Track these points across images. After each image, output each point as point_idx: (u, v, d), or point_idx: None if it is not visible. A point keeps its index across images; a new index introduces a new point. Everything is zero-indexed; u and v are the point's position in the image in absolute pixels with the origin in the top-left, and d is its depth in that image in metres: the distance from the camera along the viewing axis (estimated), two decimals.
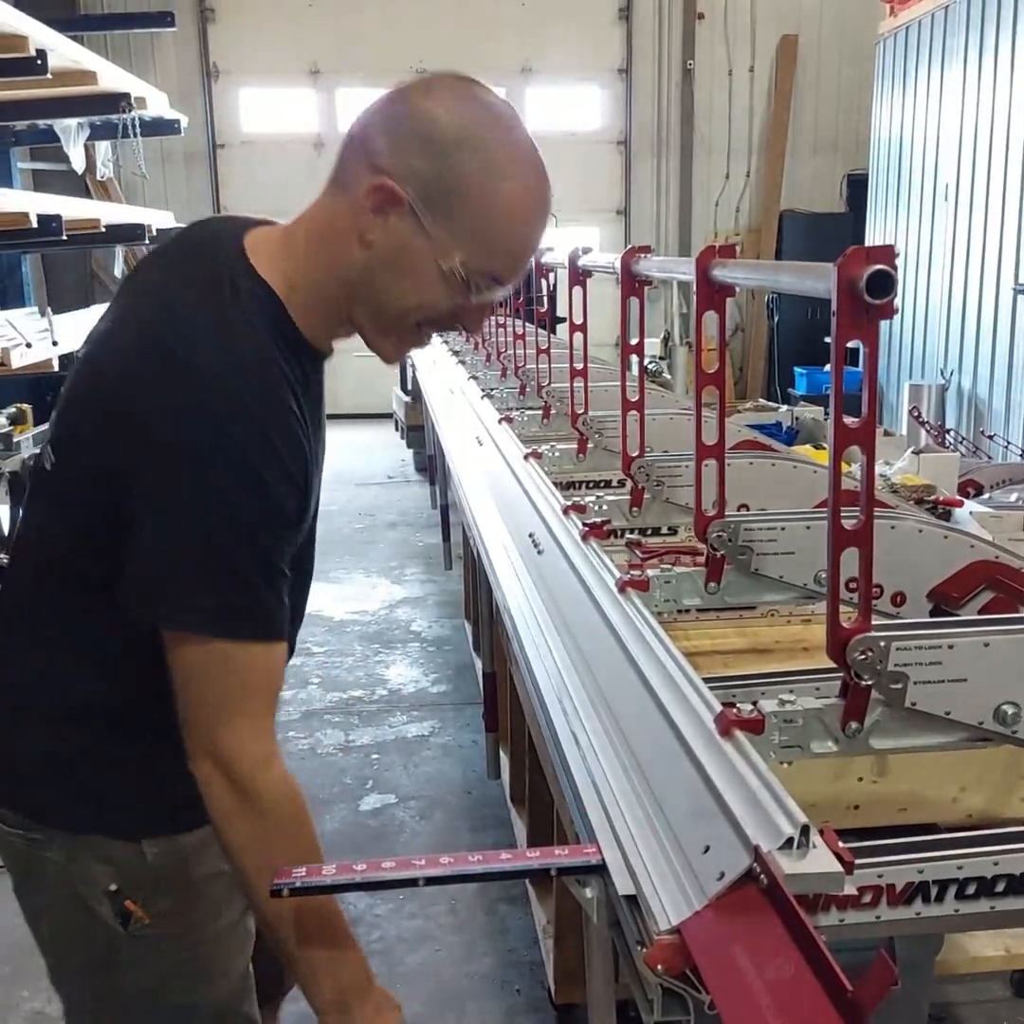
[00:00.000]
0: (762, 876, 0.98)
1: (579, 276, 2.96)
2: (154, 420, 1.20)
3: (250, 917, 1.48)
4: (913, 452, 4.75)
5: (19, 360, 5.76)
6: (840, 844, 1.04)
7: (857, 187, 11.27)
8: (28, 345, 5.88)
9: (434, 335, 1.40)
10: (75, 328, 6.89)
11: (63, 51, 5.95)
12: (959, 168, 8.28)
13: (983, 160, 7.89)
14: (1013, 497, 4.87)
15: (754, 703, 1.26)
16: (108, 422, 1.24)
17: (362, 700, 4.90)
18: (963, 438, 7.62)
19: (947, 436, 7.48)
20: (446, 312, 1.30)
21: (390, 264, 1.26)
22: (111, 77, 6.95)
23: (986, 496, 5.04)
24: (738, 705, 1.25)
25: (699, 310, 1.70)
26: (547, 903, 2.80)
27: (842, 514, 1.21)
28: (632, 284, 2.26)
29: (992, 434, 7.51)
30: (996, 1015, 2.60)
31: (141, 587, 1.24)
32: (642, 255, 2.22)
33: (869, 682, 1.24)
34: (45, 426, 6.14)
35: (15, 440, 5.28)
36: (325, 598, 6.10)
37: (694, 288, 1.71)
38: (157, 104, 7.83)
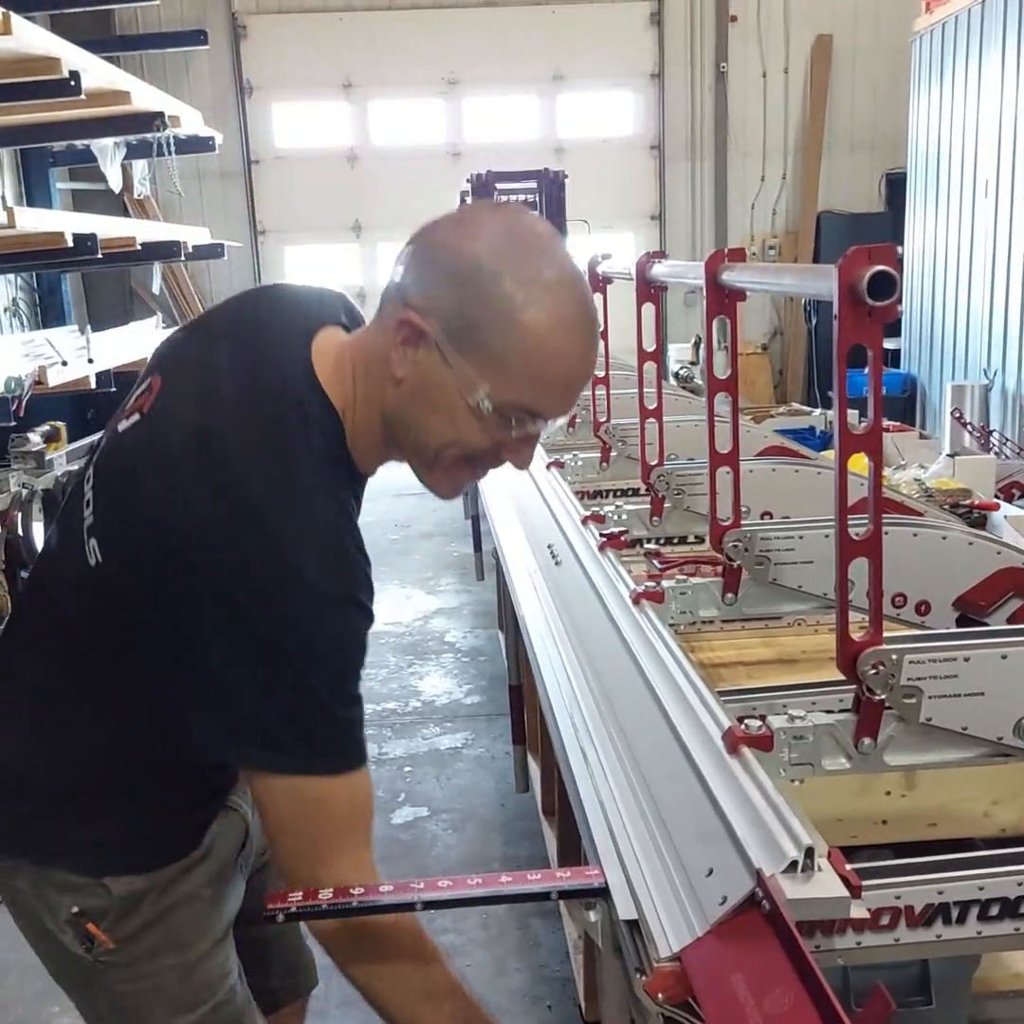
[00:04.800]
0: (764, 901, 0.94)
1: (599, 282, 2.94)
2: (238, 581, 1.18)
3: (227, 946, 1.47)
4: (948, 456, 4.66)
5: (56, 378, 5.84)
6: (848, 867, 1.01)
7: (896, 186, 11.12)
8: (64, 363, 5.95)
9: (490, 469, 1.34)
10: (113, 345, 6.99)
11: (96, 72, 6.03)
12: (999, 164, 8.14)
13: (1023, 156, 7.75)
14: None
15: (762, 718, 1.23)
16: (182, 567, 1.20)
17: (395, 712, 4.89)
18: (1007, 439, 7.48)
19: (991, 438, 7.34)
20: (486, 448, 1.25)
21: (421, 399, 1.23)
22: (145, 96, 7.04)
23: None
24: (746, 722, 1.21)
25: (709, 315, 1.66)
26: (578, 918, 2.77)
27: (850, 523, 1.17)
28: (648, 289, 2.24)
29: None
30: None
31: (229, 727, 1.24)
32: (656, 260, 2.19)
33: (882, 697, 1.20)
34: (79, 443, 6.23)
35: (48, 458, 5.34)
36: None
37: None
38: (191, 122, 7.92)
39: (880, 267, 1.08)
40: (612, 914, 1.09)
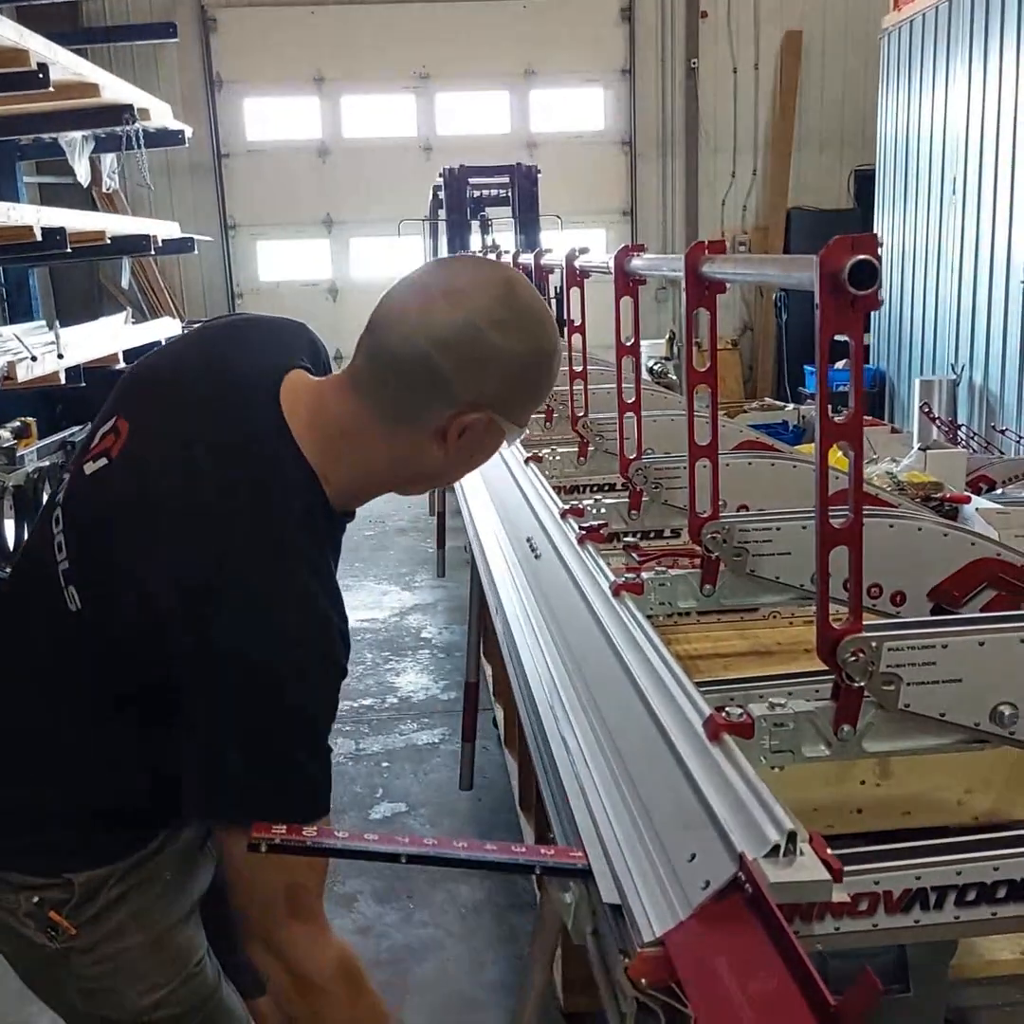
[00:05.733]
0: (747, 885, 0.95)
1: (576, 277, 2.95)
2: (218, 642, 1.21)
3: (194, 924, 1.49)
4: (920, 449, 4.71)
5: (25, 374, 5.77)
6: (829, 851, 1.02)
7: (865, 182, 11.21)
8: (33, 358, 5.89)
9: None
10: (82, 340, 6.92)
11: (65, 64, 5.96)
12: (966, 161, 8.22)
13: (991, 153, 7.83)
14: None
15: (743, 707, 1.23)
16: (164, 624, 1.24)
17: (373, 708, 4.88)
18: (974, 434, 7.56)
19: (959, 432, 7.41)
20: None
21: (466, 461, 1.37)
22: (114, 89, 6.98)
23: (999, 491, 4.99)
24: (727, 709, 1.22)
25: (689, 307, 1.67)
26: None
27: (830, 513, 1.19)
28: (626, 283, 2.24)
29: (1004, 429, 7.44)
30: (1014, 1020, 2.54)
31: (193, 778, 1.27)
32: (635, 254, 2.20)
33: (861, 684, 1.22)
34: (50, 439, 6.16)
35: (19, 454, 5.29)
36: None
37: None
38: (161, 115, 7.86)
39: (862, 256, 1.09)
40: (591, 898, 1.09)
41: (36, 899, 1.37)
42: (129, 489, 1.30)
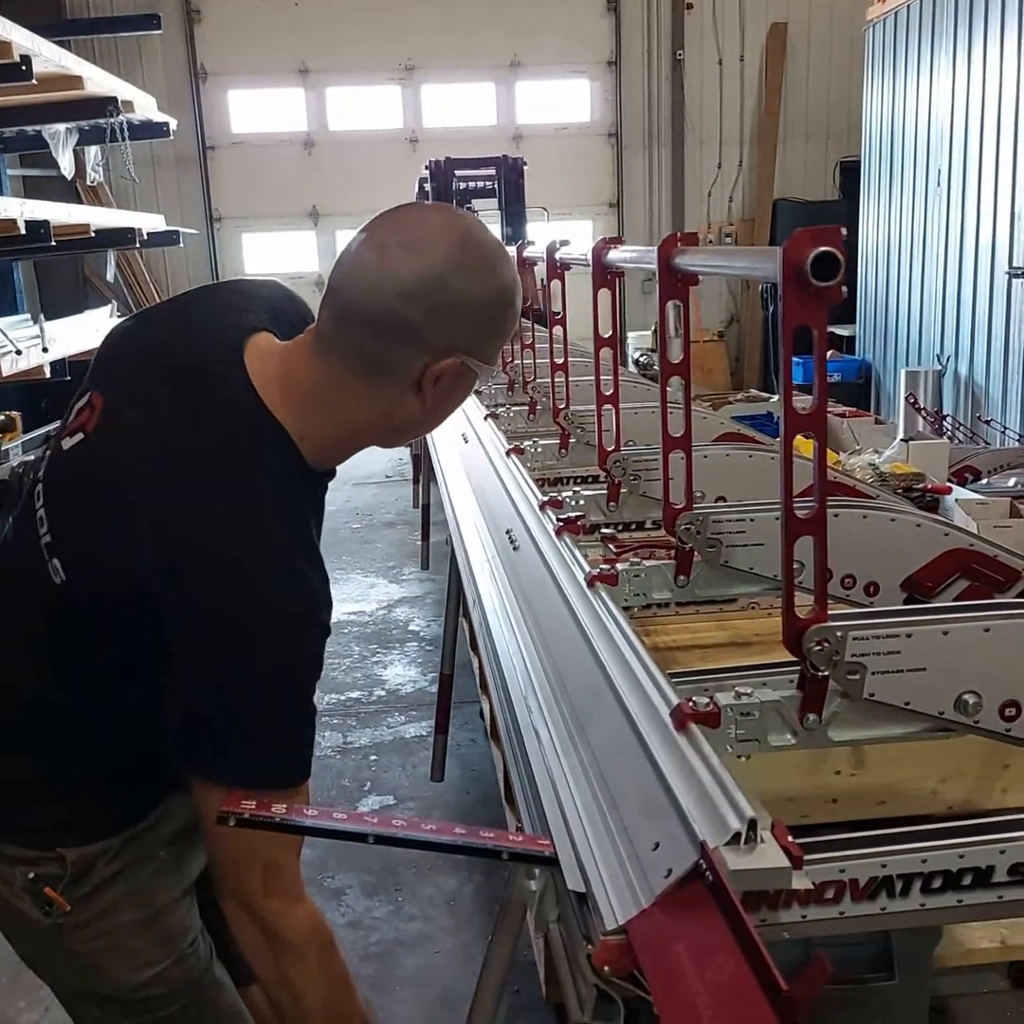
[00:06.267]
0: (707, 873, 0.96)
1: (557, 269, 2.95)
2: (201, 602, 1.24)
3: (187, 904, 1.50)
4: (902, 440, 4.72)
5: (10, 367, 5.76)
6: (790, 839, 1.02)
7: (850, 174, 11.22)
8: (18, 352, 5.87)
9: None
10: (67, 334, 6.90)
11: (48, 56, 5.93)
12: (951, 153, 8.23)
13: (974, 145, 7.84)
14: (1011, 482, 4.84)
15: (711, 696, 1.24)
16: (146, 588, 1.26)
17: (360, 701, 4.88)
18: (960, 424, 7.58)
19: (944, 422, 7.44)
20: None
21: (443, 407, 1.38)
22: (98, 81, 6.94)
23: (983, 482, 5.01)
24: (694, 699, 1.23)
25: (662, 299, 1.68)
26: None
27: (798, 504, 1.19)
28: (604, 275, 2.25)
29: (989, 419, 7.47)
30: (995, 1007, 2.56)
31: (176, 734, 1.28)
32: (612, 246, 2.20)
33: (826, 673, 1.22)
34: (34, 433, 6.15)
35: (4, 448, 5.28)
36: None
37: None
38: (145, 107, 7.82)
39: (824, 248, 1.09)
40: (557, 886, 1.10)
41: (31, 875, 1.39)
42: (104, 462, 1.32)
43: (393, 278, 1.26)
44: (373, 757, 4.32)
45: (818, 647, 1.22)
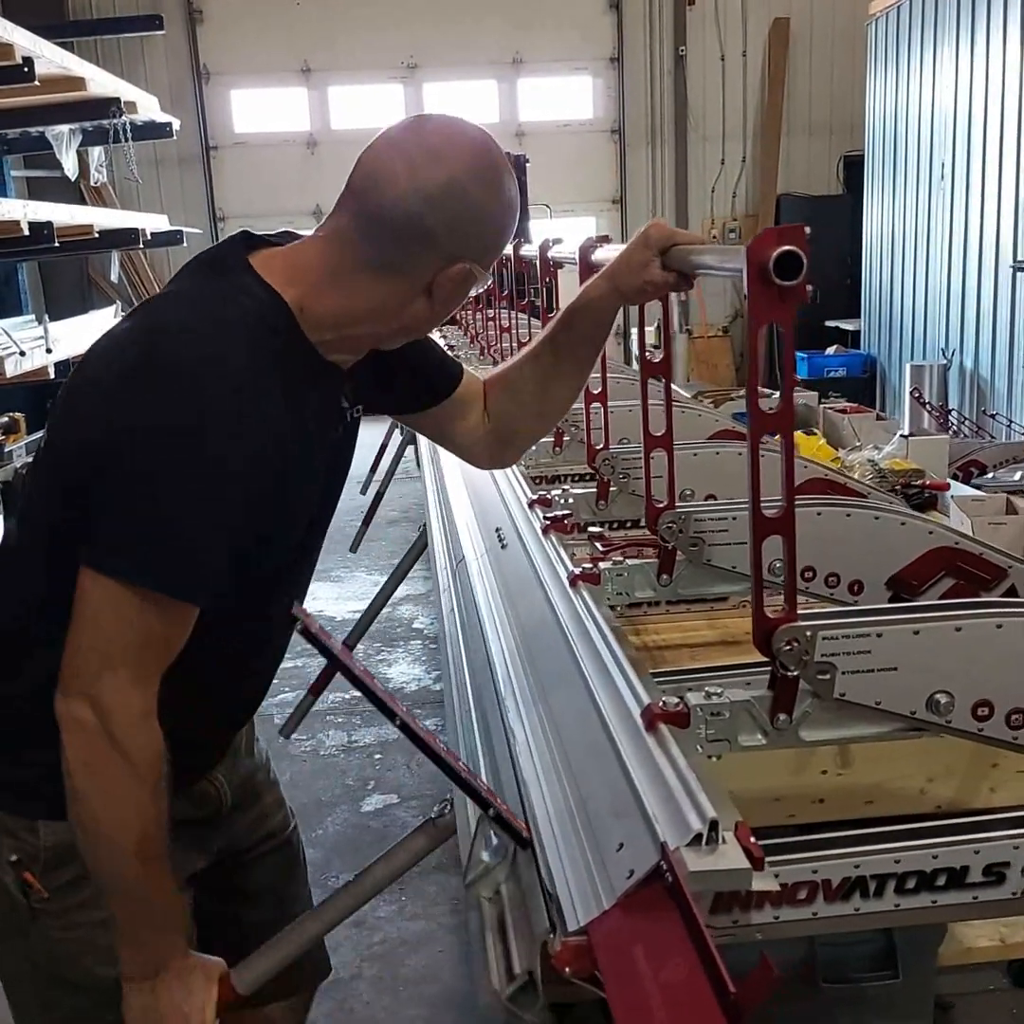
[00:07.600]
0: (667, 874, 0.96)
1: (550, 268, 2.95)
2: (121, 407, 1.22)
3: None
4: (902, 436, 4.71)
5: (13, 369, 5.78)
6: (753, 840, 1.02)
7: (854, 168, 11.18)
8: (22, 353, 5.89)
9: None
10: (72, 335, 6.92)
11: (50, 57, 5.94)
12: (954, 147, 8.20)
13: (978, 138, 7.81)
14: (1016, 476, 4.82)
15: (681, 697, 1.24)
16: (78, 412, 1.28)
17: (364, 700, 4.88)
18: (965, 418, 7.56)
19: (949, 417, 7.41)
20: None
21: (444, 311, 1.40)
22: (100, 82, 6.95)
23: (989, 476, 4.99)
24: (664, 699, 1.23)
25: None
26: None
27: (763, 504, 1.19)
28: (590, 273, 2.24)
29: (995, 413, 7.44)
30: (996, 1005, 2.55)
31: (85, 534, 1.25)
32: (599, 244, 2.19)
33: (796, 673, 1.22)
34: (38, 435, 6.17)
35: (8, 449, 5.29)
36: (326, 597, 6.07)
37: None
38: (148, 108, 7.83)
39: (786, 247, 1.09)
40: (518, 878, 1.11)
41: (14, 858, 1.39)
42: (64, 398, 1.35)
43: (418, 186, 1.28)
44: (377, 755, 4.32)
45: (787, 647, 1.21)
